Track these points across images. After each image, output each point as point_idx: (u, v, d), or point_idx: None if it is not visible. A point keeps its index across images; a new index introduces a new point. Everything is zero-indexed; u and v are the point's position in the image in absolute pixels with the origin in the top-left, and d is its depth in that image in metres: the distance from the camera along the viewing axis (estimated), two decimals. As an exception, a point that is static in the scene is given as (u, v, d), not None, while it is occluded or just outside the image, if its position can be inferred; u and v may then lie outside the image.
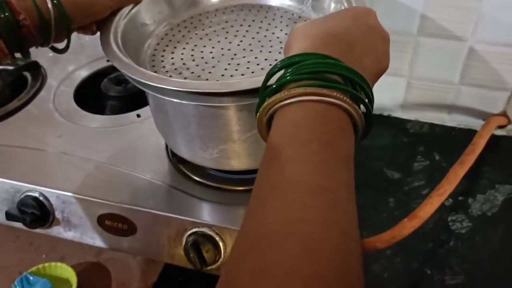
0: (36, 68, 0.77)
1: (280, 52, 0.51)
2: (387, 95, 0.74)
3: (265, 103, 0.31)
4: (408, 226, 0.47)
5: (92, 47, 0.85)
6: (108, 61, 0.78)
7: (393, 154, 0.70)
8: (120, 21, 0.51)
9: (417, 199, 0.62)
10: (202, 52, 0.52)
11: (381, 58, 0.36)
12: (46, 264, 0.57)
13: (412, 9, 0.64)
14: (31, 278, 0.55)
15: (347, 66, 0.31)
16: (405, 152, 0.70)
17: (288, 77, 0.31)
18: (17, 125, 0.67)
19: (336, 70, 0.31)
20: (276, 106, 0.30)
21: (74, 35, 0.89)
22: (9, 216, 0.58)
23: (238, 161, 0.51)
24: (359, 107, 0.31)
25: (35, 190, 0.57)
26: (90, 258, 0.59)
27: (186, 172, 0.57)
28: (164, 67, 0.51)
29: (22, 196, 0.57)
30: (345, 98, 0.30)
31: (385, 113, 0.76)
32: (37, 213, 0.56)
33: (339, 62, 0.31)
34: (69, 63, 0.80)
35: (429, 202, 0.47)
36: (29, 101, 0.71)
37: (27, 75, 0.76)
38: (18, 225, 0.59)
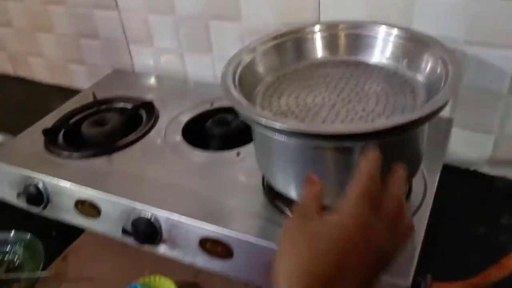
0: (151, 108, 0.88)
1: (376, 105, 0.56)
2: (474, 150, 0.76)
3: None
4: (497, 274, 0.48)
5: (196, 93, 0.96)
6: (211, 104, 0.88)
7: (478, 209, 0.71)
8: (238, 68, 0.60)
9: (503, 255, 0.62)
10: (305, 99, 0.59)
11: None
12: (152, 277, 0.64)
13: (502, 71, 0.67)
14: (140, 287, 0.62)
15: None
16: (491, 208, 0.71)
17: None
18: (133, 155, 0.77)
19: None
20: None
21: (182, 81, 1.00)
22: (124, 232, 0.66)
23: (332, 201, 0.56)
24: None
25: (148, 211, 0.65)
26: (188, 277, 0.65)
27: (281, 206, 0.63)
28: (271, 110, 0.58)
29: (137, 215, 0.65)
30: None
31: (471, 168, 0.78)
32: (148, 232, 0.64)
33: None
34: (177, 106, 0.90)
35: (518, 253, 0.49)
36: (144, 135, 0.81)
37: (143, 113, 0.88)
38: (128, 240, 0.67)
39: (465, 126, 0.75)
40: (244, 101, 0.53)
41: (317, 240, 0.37)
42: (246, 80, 0.61)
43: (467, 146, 0.76)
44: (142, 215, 0.65)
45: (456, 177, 0.77)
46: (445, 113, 0.75)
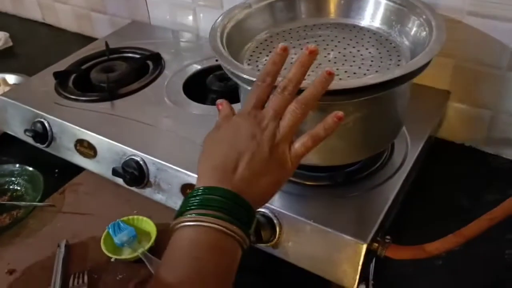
0: (158, 59, 0.91)
1: (360, 67, 0.57)
2: (471, 125, 0.75)
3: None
4: (452, 241, 0.49)
5: (205, 48, 0.96)
6: (216, 60, 0.89)
7: (467, 184, 0.71)
8: (228, 24, 0.61)
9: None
10: (292, 58, 0.59)
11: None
12: (135, 217, 0.67)
13: (504, 45, 0.65)
14: (122, 224, 0.66)
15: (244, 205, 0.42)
16: (480, 184, 0.71)
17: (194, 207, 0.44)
18: (135, 102, 0.80)
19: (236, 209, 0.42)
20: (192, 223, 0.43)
21: (194, 36, 1.01)
22: (114, 172, 0.70)
23: (317, 157, 0.57)
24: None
25: (137, 155, 0.68)
26: (170, 220, 0.68)
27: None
28: (257, 66, 0.59)
29: (127, 158, 0.69)
30: (234, 228, 0.41)
31: (467, 144, 0.77)
32: (136, 173, 0.68)
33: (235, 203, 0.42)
34: (185, 59, 0.92)
35: (477, 224, 0.49)
36: (147, 85, 0.84)
37: (150, 63, 0.90)
38: (120, 181, 0.71)
39: (463, 100, 0.73)
40: (226, 54, 0.55)
41: (220, 141, 0.46)
42: (236, 36, 0.62)
43: (464, 121, 0.75)
44: (131, 159, 0.68)
45: (451, 152, 0.76)
46: (443, 85, 0.74)
